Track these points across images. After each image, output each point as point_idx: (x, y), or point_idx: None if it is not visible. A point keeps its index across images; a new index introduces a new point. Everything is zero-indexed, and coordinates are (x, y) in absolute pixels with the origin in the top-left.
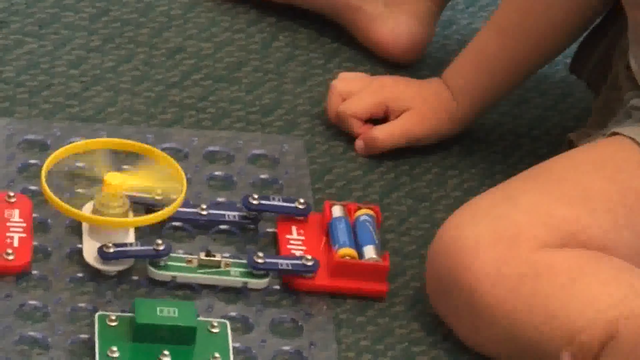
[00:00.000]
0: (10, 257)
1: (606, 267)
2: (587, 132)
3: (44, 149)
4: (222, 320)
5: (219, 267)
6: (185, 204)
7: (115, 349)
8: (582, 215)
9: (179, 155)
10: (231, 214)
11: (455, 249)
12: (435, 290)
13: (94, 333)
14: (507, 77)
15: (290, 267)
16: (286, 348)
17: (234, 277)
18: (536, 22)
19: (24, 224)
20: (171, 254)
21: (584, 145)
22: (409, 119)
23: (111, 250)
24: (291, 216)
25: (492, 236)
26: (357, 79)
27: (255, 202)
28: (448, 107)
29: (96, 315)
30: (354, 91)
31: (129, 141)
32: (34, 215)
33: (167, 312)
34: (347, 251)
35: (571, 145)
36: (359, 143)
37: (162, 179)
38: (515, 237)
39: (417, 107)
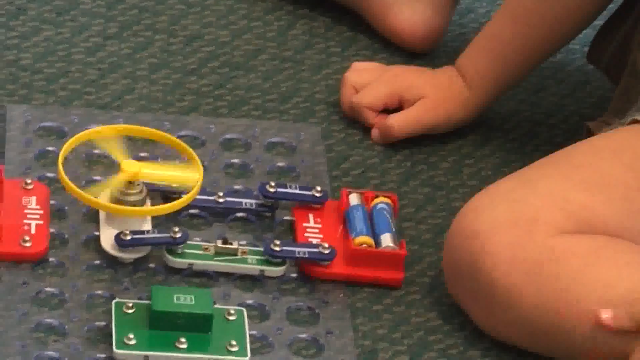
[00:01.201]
0: (27, 244)
1: (623, 251)
2: (606, 120)
3: (61, 136)
4: (239, 307)
5: (235, 254)
6: (202, 191)
7: (131, 336)
8: (599, 202)
9: (195, 142)
10: (248, 202)
11: (472, 231)
12: (452, 273)
13: (111, 320)
14: (521, 63)
15: (307, 255)
16: (302, 336)
17: (251, 264)
18: (550, 8)
19: (41, 211)
20: (188, 242)
21: (603, 133)
22: (423, 107)
23: (128, 237)
24: (308, 204)
25: (509, 220)
26: (369, 70)
27: (272, 189)
28: (461, 95)
29: (113, 302)
30: (367, 82)
31: (146, 128)
32: (51, 202)
33: (184, 299)
34: (364, 239)
35: (589, 133)
36: (374, 132)
37: (179, 166)
38: (532, 221)
39: (430, 95)
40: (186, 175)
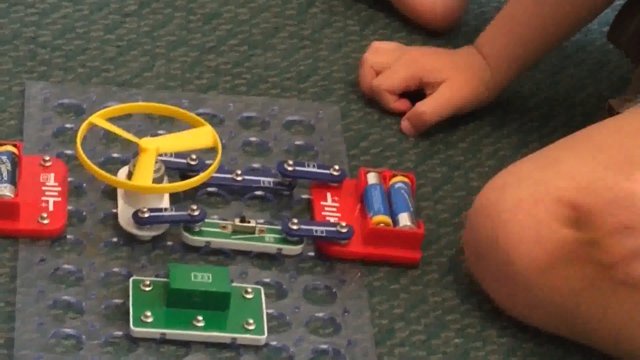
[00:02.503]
0: (45, 221)
1: None
2: (628, 98)
3: (79, 113)
4: (256, 286)
5: (253, 233)
6: (220, 169)
7: (149, 313)
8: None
9: (214, 120)
10: (266, 180)
11: (495, 210)
12: (473, 252)
13: (128, 298)
14: (540, 44)
15: (324, 234)
16: (319, 314)
17: (268, 243)
18: None
19: (59, 188)
20: (205, 220)
21: (626, 111)
22: (449, 89)
23: (146, 215)
24: (326, 183)
25: (533, 199)
26: (388, 51)
27: (290, 168)
28: (482, 75)
29: (130, 280)
30: (386, 64)
31: (165, 105)
32: (69, 179)
33: (201, 277)
34: (382, 218)
35: (611, 111)
36: (405, 124)
37: (197, 144)
38: (555, 201)
39: (452, 76)
40: (201, 137)
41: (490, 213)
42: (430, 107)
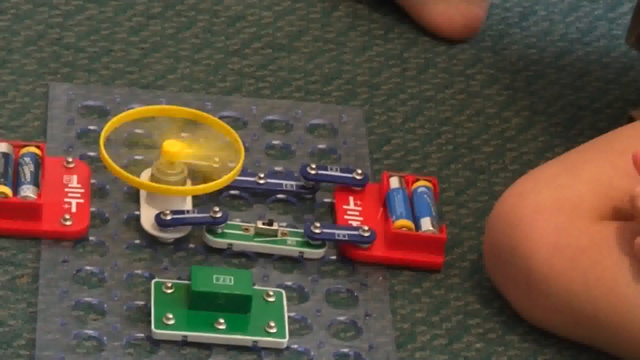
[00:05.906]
0: (68, 223)
1: None
2: None
3: (103, 114)
4: (278, 289)
5: (275, 236)
6: (243, 172)
7: (171, 315)
8: None
9: (237, 123)
10: (289, 184)
11: (515, 216)
12: (493, 258)
13: (150, 300)
14: None
15: (346, 238)
16: (341, 318)
17: (291, 246)
18: None
19: (82, 190)
20: (228, 222)
21: None
22: None
23: (168, 217)
24: (349, 186)
25: (553, 205)
26: None
27: (313, 171)
28: None
29: (152, 282)
30: None
31: (188, 109)
32: (92, 181)
33: (223, 280)
34: (404, 222)
35: (631, 121)
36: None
37: (220, 147)
38: (576, 207)
39: None
40: (227, 156)
41: (509, 219)
42: None
